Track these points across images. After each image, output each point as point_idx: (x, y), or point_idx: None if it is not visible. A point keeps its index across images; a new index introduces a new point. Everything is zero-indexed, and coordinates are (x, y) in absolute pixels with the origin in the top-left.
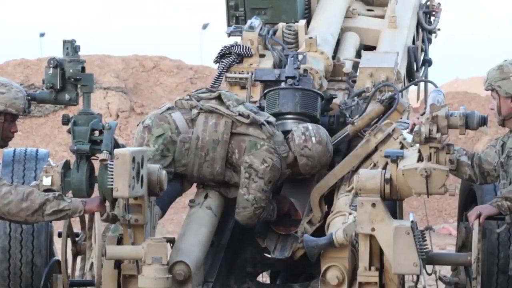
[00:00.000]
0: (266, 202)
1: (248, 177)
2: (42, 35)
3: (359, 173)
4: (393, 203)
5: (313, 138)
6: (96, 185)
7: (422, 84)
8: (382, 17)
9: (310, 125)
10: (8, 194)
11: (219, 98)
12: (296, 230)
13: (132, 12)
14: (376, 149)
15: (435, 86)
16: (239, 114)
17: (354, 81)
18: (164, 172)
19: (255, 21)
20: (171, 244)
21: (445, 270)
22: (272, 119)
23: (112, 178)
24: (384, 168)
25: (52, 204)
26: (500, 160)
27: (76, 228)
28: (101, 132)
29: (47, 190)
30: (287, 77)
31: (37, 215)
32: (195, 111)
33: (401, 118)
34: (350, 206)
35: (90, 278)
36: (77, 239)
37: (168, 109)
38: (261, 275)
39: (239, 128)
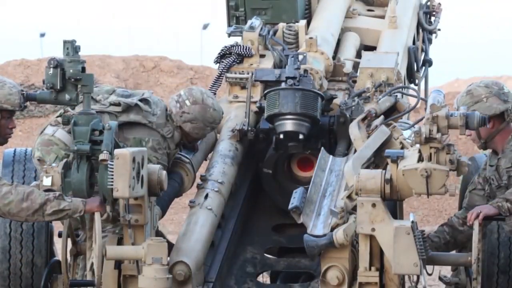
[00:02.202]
0: None
1: None
2: (42, 35)
3: (360, 173)
4: (393, 203)
5: (187, 101)
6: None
7: (422, 84)
8: (383, 17)
9: (182, 91)
10: (9, 194)
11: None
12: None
13: (132, 12)
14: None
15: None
16: (111, 105)
17: (355, 81)
18: (164, 172)
19: (256, 21)
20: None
21: (445, 270)
22: (147, 95)
23: (112, 178)
24: (385, 168)
25: (52, 204)
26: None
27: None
28: (101, 132)
29: (48, 190)
30: (287, 77)
31: (37, 215)
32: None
33: (401, 118)
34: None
35: (90, 278)
36: (77, 239)
37: (48, 133)
38: (261, 275)
39: (120, 118)
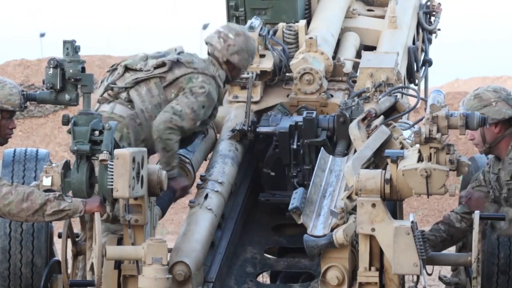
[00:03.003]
0: (188, 126)
1: (182, 94)
2: (42, 35)
3: (359, 173)
4: (393, 203)
5: (230, 34)
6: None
7: (422, 84)
8: (382, 17)
9: (219, 28)
10: (9, 194)
11: (127, 70)
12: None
13: (132, 12)
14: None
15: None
16: (155, 68)
17: (354, 81)
18: (164, 172)
19: (255, 21)
20: None
21: (445, 270)
22: (180, 49)
23: (112, 178)
24: (384, 168)
25: (52, 204)
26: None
27: (76, 229)
28: (101, 132)
29: (47, 190)
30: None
31: (37, 215)
32: (123, 95)
33: (401, 118)
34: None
35: (90, 278)
36: (77, 239)
37: (105, 109)
38: (261, 275)
39: (167, 78)
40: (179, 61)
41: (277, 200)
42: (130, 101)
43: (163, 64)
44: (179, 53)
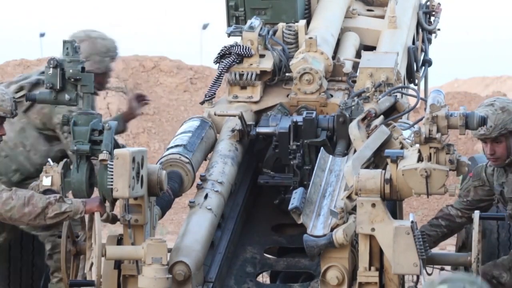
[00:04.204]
0: None
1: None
2: (42, 35)
3: (359, 173)
4: (393, 203)
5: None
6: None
7: (422, 84)
8: (382, 17)
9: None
10: (10, 199)
11: None
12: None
13: (132, 12)
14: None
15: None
16: (15, 93)
17: (354, 81)
18: (164, 172)
19: (255, 21)
20: None
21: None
22: (43, 68)
23: (112, 178)
24: (384, 168)
25: (54, 207)
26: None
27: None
28: (101, 132)
29: (47, 190)
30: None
31: (39, 219)
32: None
33: (401, 118)
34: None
35: (90, 279)
36: (77, 239)
37: None
38: (261, 275)
39: (24, 102)
40: (38, 83)
41: (276, 182)
42: None
43: (21, 89)
44: (41, 73)
